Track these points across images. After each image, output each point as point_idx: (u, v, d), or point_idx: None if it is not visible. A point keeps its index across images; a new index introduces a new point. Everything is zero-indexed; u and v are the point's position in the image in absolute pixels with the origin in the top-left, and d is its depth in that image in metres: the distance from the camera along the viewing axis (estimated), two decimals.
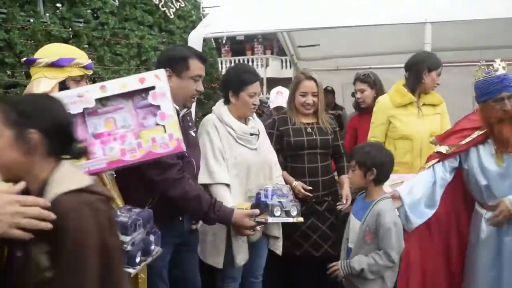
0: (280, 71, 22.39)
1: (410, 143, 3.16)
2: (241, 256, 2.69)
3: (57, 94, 1.72)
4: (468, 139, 2.69)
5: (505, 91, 2.52)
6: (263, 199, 2.40)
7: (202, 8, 10.81)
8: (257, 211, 2.40)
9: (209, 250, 2.72)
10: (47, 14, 7.34)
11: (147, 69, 8.90)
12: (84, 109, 1.75)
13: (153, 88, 1.80)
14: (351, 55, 5.61)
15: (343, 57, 5.72)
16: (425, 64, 3.14)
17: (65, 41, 7.07)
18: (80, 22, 7.72)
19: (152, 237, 1.89)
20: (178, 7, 9.34)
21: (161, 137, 1.78)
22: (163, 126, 1.79)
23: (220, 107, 2.80)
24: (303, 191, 3.07)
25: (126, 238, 1.76)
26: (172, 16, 9.15)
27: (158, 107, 1.79)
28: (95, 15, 8.14)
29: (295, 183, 3.10)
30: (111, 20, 8.06)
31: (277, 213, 2.37)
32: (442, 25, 3.63)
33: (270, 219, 2.37)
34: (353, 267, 2.43)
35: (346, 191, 3.17)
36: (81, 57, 1.93)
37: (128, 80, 1.80)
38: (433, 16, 3.56)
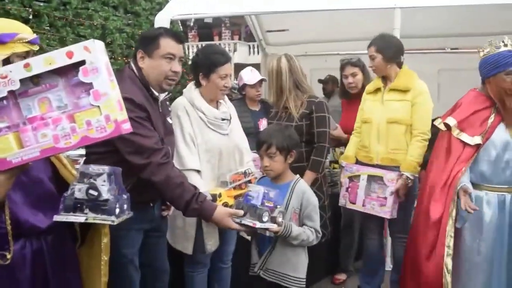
0: (247, 57, 22.28)
1: (369, 127, 3.23)
2: (212, 243, 2.67)
3: None
4: (490, 121, 2.73)
5: None
6: (253, 201, 2.27)
7: None
8: (241, 212, 2.28)
9: (179, 235, 2.68)
10: None
11: (112, 52, 8.66)
12: (10, 92, 1.58)
13: (83, 63, 1.59)
14: (320, 41, 5.60)
15: (312, 42, 5.70)
16: None
17: (25, 21, 6.78)
18: (41, 2, 7.41)
19: (124, 197, 1.82)
20: None
21: (96, 119, 1.59)
22: (98, 107, 1.60)
23: (191, 90, 2.74)
24: None
25: (105, 187, 1.69)
26: None
27: (91, 84, 1.60)
28: None
29: None
30: (74, 0, 7.77)
31: (265, 218, 2.23)
32: (411, 11, 3.65)
33: (259, 225, 2.21)
34: (291, 236, 2.35)
35: None
36: (25, 31, 1.81)
37: (55, 56, 1.59)
38: (402, 1, 3.57)
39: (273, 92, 3.24)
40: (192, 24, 5.27)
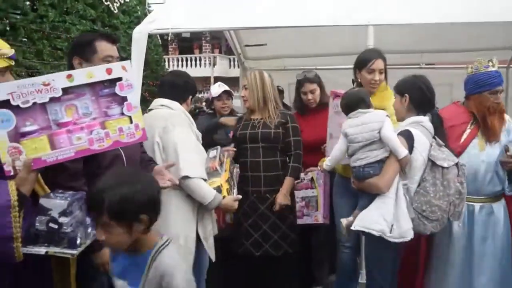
0: (228, 70, 22.36)
1: None
2: (213, 252, 2.86)
3: (19, 81, 1.72)
4: (465, 136, 2.84)
5: (501, 85, 2.79)
6: None
7: (148, 3, 10.60)
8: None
9: (181, 253, 2.65)
10: None
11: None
12: (50, 98, 1.76)
13: (120, 79, 1.85)
14: (298, 55, 5.66)
15: (290, 57, 5.75)
16: (355, 65, 3.22)
17: (1, 33, 6.70)
18: (18, 14, 7.32)
19: (88, 220, 1.85)
20: (122, 1, 9.09)
21: (128, 127, 1.87)
22: (129, 116, 1.87)
23: (177, 106, 2.84)
24: None
25: (65, 220, 1.73)
26: (116, 11, 8.89)
27: (124, 98, 1.86)
28: (34, 7, 7.76)
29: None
30: (51, 13, 7.70)
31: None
32: (384, 28, 3.72)
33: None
34: None
35: (279, 196, 3.15)
36: (4, 47, 1.88)
37: (95, 71, 1.85)
38: (375, 19, 3.65)
39: (255, 102, 3.25)
40: (170, 38, 5.29)
